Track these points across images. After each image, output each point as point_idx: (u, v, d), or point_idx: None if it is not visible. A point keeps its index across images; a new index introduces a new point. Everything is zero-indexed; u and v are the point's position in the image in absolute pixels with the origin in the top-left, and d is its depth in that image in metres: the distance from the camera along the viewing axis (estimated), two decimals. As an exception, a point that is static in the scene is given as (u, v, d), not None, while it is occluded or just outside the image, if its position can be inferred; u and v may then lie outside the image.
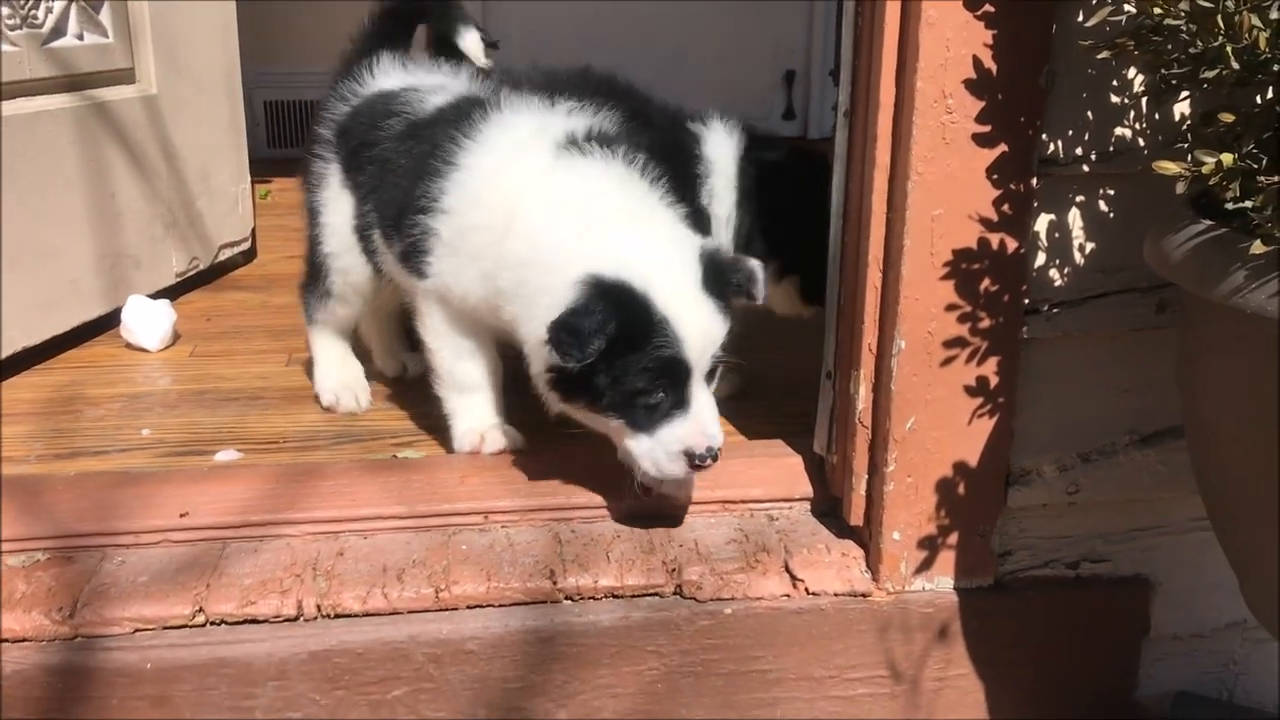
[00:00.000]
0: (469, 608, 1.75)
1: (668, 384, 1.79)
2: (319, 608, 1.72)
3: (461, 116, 2.07)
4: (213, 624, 1.71)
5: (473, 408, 2.15)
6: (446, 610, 1.75)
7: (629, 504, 1.93)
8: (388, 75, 2.42)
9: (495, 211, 1.93)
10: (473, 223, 1.96)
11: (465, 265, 1.98)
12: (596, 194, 1.89)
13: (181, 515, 1.84)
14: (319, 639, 1.71)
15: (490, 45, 2.60)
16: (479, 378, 2.13)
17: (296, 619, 1.72)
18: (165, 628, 1.69)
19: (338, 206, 2.35)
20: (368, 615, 1.73)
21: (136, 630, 1.69)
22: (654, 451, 1.80)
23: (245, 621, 1.71)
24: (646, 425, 1.80)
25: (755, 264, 1.90)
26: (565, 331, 1.71)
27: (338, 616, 1.73)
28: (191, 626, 1.70)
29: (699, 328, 1.79)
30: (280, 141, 5.57)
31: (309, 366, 2.53)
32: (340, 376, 2.47)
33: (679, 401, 1.80)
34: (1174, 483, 1.81)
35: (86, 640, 1.67)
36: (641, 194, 1.93)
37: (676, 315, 1.77)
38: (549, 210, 1.88)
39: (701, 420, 1.80)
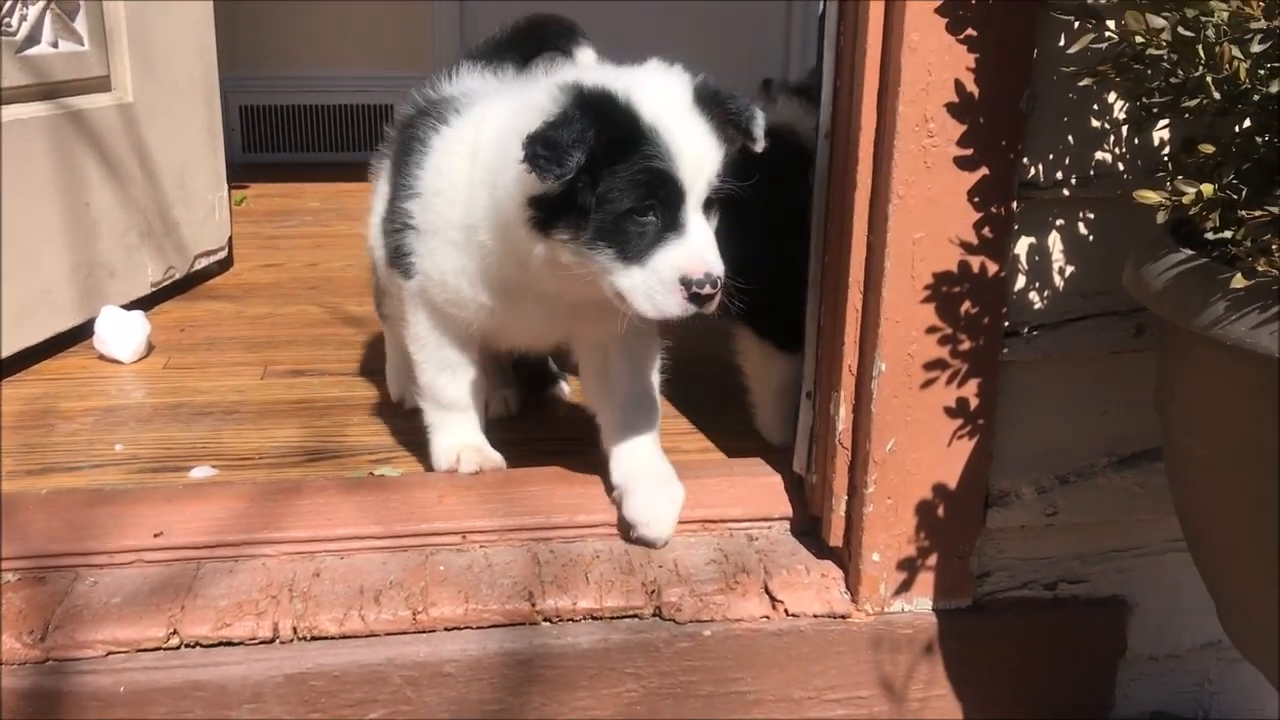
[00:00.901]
0: (447, 630, 1.74)
1: (659, 203, 1.67)
2: (295, 630, 1.71)
3: (442, 112, 2.03)
4: (187, 646, 1.68)
5: (451, 425, 2.12)
6: (424, 632, 1.73)
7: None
8: (460, 82, 2.33)
9: (459, 160, 1.89)
10: (437, 188, 1.91)
11: (441, 246, 1.92)
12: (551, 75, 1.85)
13: (156, 535, 1.82)
14: (295, 661, 1.69)
15: None
16: (460, 395, 2.10)
17: (272, 641, 1.70)
18: (139, 650, 1.67)
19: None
20: (344, 638, 1.72)
21: (109, 653, 1.66)
22: (647, 283, 1.67)
23: (220, 644, 1.69)
24: (638, 253, 1.67)
25: (755, 105, 1.80)
26: (541, 144, 1.60)
27: (314, 639, 1.71)
28: (166, 649, 1.68)
29: (691, 142, 1.68)
30: (256, 146, 5.54)
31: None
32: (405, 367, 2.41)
33: (672, 224, 1.68)
34: (1151, 504, 1.82)
35: (58, 664, 1.65)
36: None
37: (666, 126, 1.66)
38: (500, 114, 1.83)
39: (699, 243, 1.68)
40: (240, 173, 3.76)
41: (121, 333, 2.74)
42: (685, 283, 1.66)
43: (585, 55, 2.41)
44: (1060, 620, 1.87)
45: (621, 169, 1.65)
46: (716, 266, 1.68)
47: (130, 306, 2.90)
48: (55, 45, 2.81)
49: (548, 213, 1.70)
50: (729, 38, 5.72)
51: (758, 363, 2.31)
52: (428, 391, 2.11)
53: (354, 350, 2.86)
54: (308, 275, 3.58)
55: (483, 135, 1.87)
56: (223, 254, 3.58)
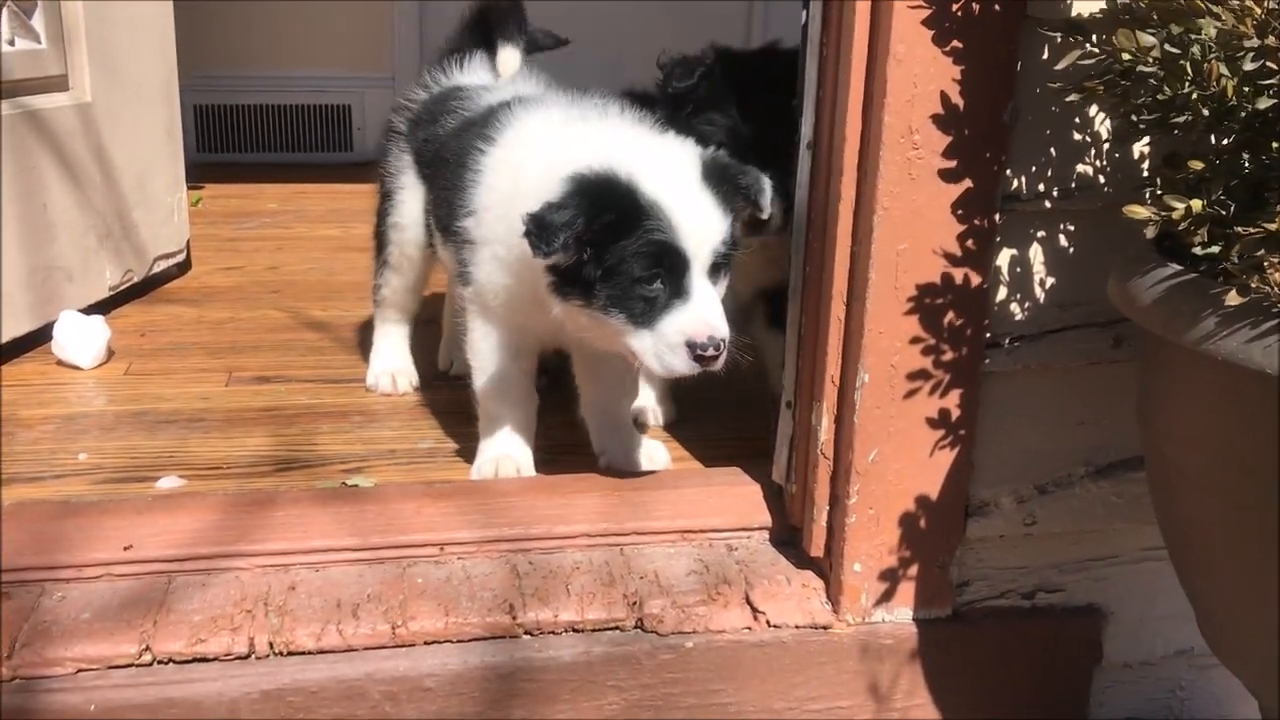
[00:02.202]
0: (426, 644, 1.72)
1: (664, 272, 1.80)
2: (271, 645, 1.67)
3: (488, 122, 2.13)
4: (160, 663, 1.64)
5: (499, 435, 2.15)
6: (404, 647, 1.71)
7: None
8: (472, 73, 2.52)
9: (505, 180, 2.00)
10: (488, 204, 2.02)
11: (489, 259, 2.03)
12: (591, 122, 2.00)
13: (125, 548, 1.78)
14: (271, 677, 1.66)
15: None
16: (508, 406, 2.14)
17: (248, 657, 1.67)
18: (110, 667, 1.63)
19: (411, 192, 2.48)
20: (322, 652, 1.68)
21: (79, 670, 1.62)
22: (656, 346, 1.81)
23: (195, 660, 1.65)
24: (646, 319, 1.81)
25: (764, 176, 1.90)
26: (534, 224, 1.76)
27: (291, 654, 1.68)
28: (138, 666, 1.63)
29: (693, 215, 1.81)
30: (211, 146, 5.45)
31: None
32: (387, 363, 2.65)
33: (678, 291, 1.81)
34: (1127, 514, 1.84)
35: (25, 682, 1.60)
36: (639, 126, 2.01)
37: (668, 201, 1.80)
38: (544, 145, 1.96)
39: (703, 309, 1.81)
40: (195, 173, 3.70)
41: (81, 338, 2.68)
42: (690, 345, 1.79)
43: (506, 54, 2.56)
44: (1038, 629, 1.89)
45: (627, 243, 1.79)
46: (720, 330, 1.81)
47: (88, 310, 2.84)
48: (12, 43, 2.75)
49: (563, 279, 1.85)
50: (690, 34, 5.70)
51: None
52: (478, 398, 2.17)
53: (320, 356, 2.82)
54: (269, 278, 3.53)
55: (525, 168, 1.96)
56: (181, 257, 3.52)
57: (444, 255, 2.36)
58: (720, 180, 1.87)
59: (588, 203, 1.78)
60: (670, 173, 1.84)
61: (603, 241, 1.79)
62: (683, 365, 1.81)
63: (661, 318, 1.81)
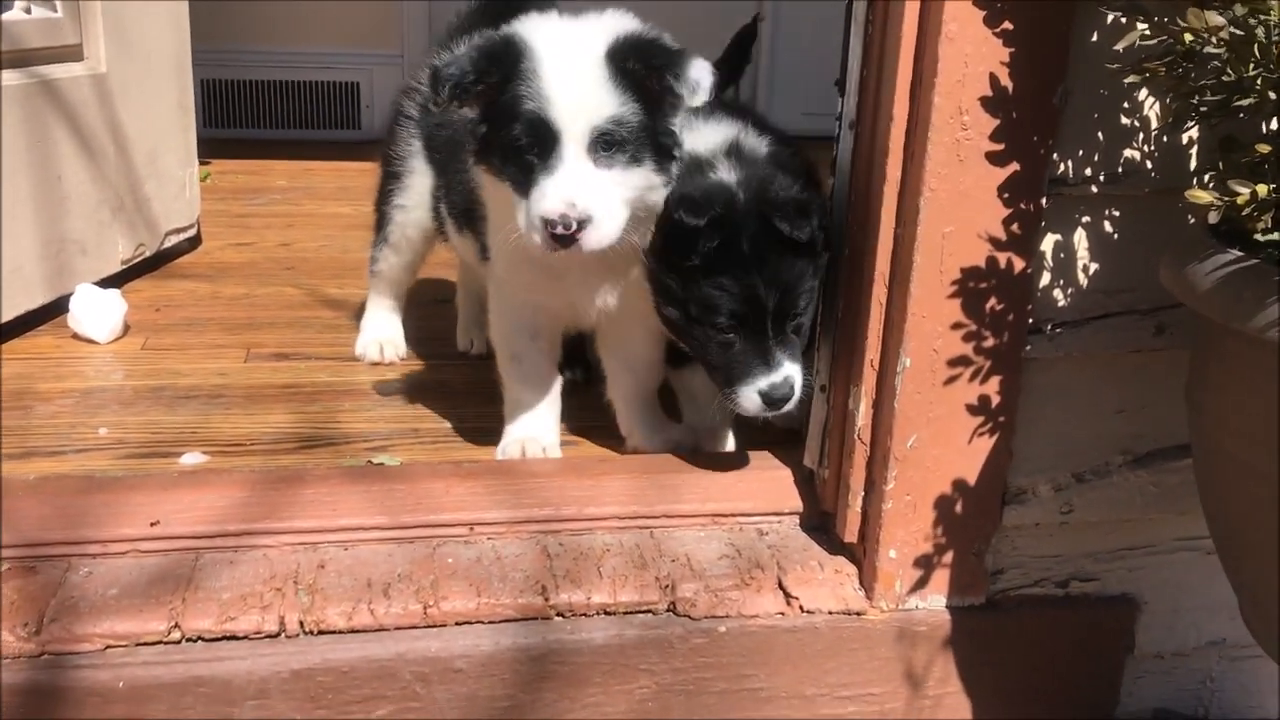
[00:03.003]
0: (458, 624, 1.70)
1: (536, 142, 1.77)
2: (302, 624, 1.65)
3: None
4: (189, 641, 1.62)
5: (522, 415, 2.13)
6: (435, 627, 1.69)
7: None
8: None
9: None
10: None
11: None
12: None
13: (152, 524, 1.76)
14: (302, 657, 1.64)
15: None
16: (531, 385, 2.12)
17: (278, 635, 1.65)
18: (139, 644, 1.61)
19: (419, 177, 2.48)
20: (353, 632, 1.66)
21: (108, 647, 1.60)
22: (528, 219, 1.78)
23: (224, 638, 1.63)
24: (524, 188, 1.79)
25: (698, 62, 1.82)
26: (430, 75, 1.83)
27: (321, 633, 1.66)
28: (167, 643, 1.61)
29: (569, 86, 1.76)
30: (218, 121, 5.40)
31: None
32: (375, 332, 2.68)
33: (547, 161, 1.77)
34: (1164, 503, 1.83)
35: (55, 658, 1.58)
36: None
37: (547, 71, 1.76)
38: None
39: (562, 183, 1.76)
40: (202, 148, 3.67)
41: (98, 312, 2.64)
42: (545, 222, 1.75)
43: None
44: (1071, 618, 1.87)
45: (504, 103, 1.78)
46: (579, 205, 1.74)
47: (101, 284, 2.80)
48: (28, 11, 2.71)
49: (474, 142, 1.88)
50: (699, 28, 5.67)
51: None
52: (504, 375, 2.16)
53: (339, 334, 2.78)
54: (282, 255, 3.49)
55: None
56: (193, 231, 3.48)
57: (457, 242, 2.35)
58: (627, 57, 1.79)
59: (478, 60, 1.79)
60: (566, 44, 1.81)
61: (491, 102, 1.80)
62: (540, 242, 1.77)
63: (532, 190, 1.77)
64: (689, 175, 1.90)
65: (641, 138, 1.81)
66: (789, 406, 1.87)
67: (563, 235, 1.74)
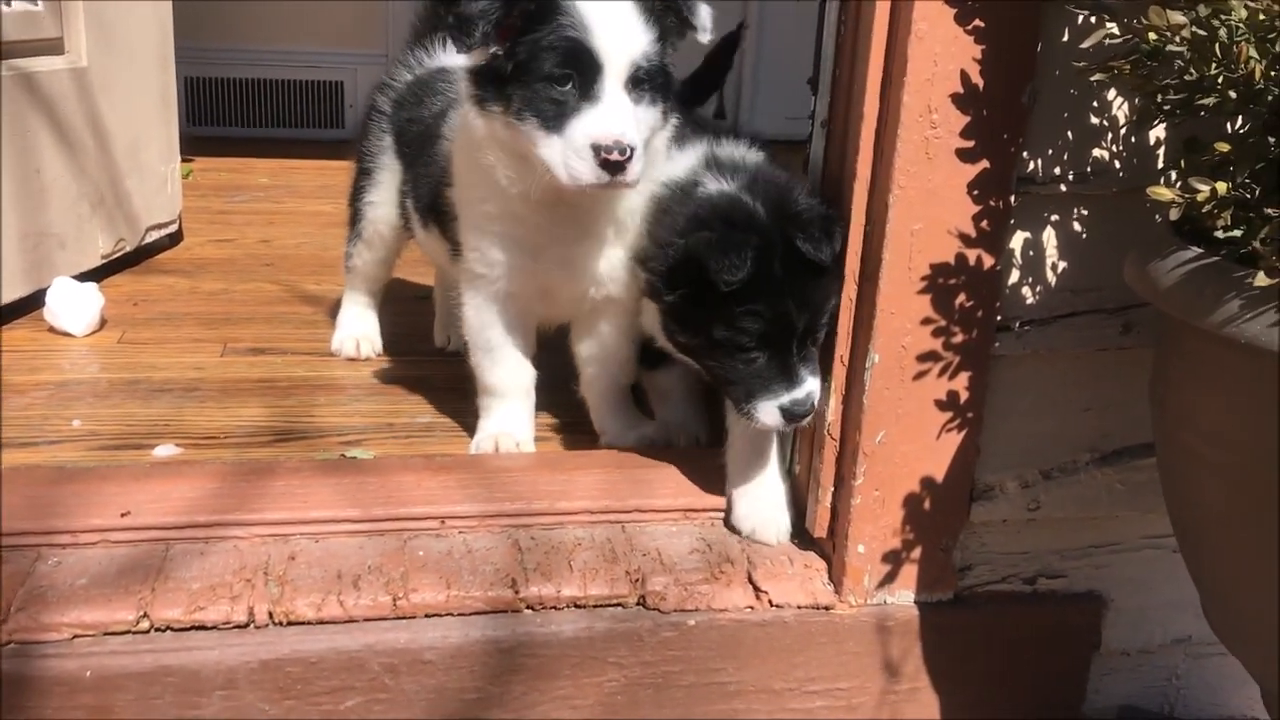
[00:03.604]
0: (427, 616, 1.70)
1: (576, 74, 1.75)
2: (271, 615, 1.65)
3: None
4: (158, 630, 1.62)
5: (496, 410, 2.15)
6: (404, 619, 1.69)
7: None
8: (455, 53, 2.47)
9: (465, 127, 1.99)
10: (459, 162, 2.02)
11: (471, 214, 2.01)
12: None
13: (123, 514, 1.76)
14: (270, 647, 1.64)
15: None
16: (503, 379, 2.13)
17: (247, 626, 1.65)
18: (107, 634, 1.60)
19: (389, 173, 2.50)
20: (322, 623, 1.66)
21: (75, 636, 1.60)
22: (564, 151, 1.76)
23: (193, 628, 1.63)
24: (557, 123, 1.77)
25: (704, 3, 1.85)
26: (455, 19, 1.76)
27: (290, 624, 1.66)
28: (135, 633, 1.61)
29: (609, 17, 1.77)
30: (202, 119, 5.40)
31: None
32: (351, 328, 2.69)
33: (589, 95, 1.76)
34: (1131, 501, 1.84)
35: (20, 647, 1.58)
36: None
37: (585, 3, 1.76)
38: None
39: (612, 112, 1.76)
40: (185, 145, 3.67)
41: (74, 305, 2.64)
42: (595, 149, 1.73)
43: None
44: (1039, 615, 1.89)
45: (540, 35, 1.75)
46: (629, 135, 1.74)
47: (80, 278, 2.80)
48: (8, 4, 2.70)
49: (482, 87, 1.84)
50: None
51: None
52: (475, 373, 2.15)
53: (315, 329, 2.79)
54: (262, 252, 3.50)
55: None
56: (173, 227, 3.48)
57: (423, 239, 2.36)
58: None
59: None
60: None
61: (521, 33, 1.77)
62: (589, 171, 1.74)
63: (570, 122, 1.75)
64: (678, 204, 1.88)
65: (659, 77, 1.83)
66: (807, 421, 1.82)
67: (616, 161, 1.73)
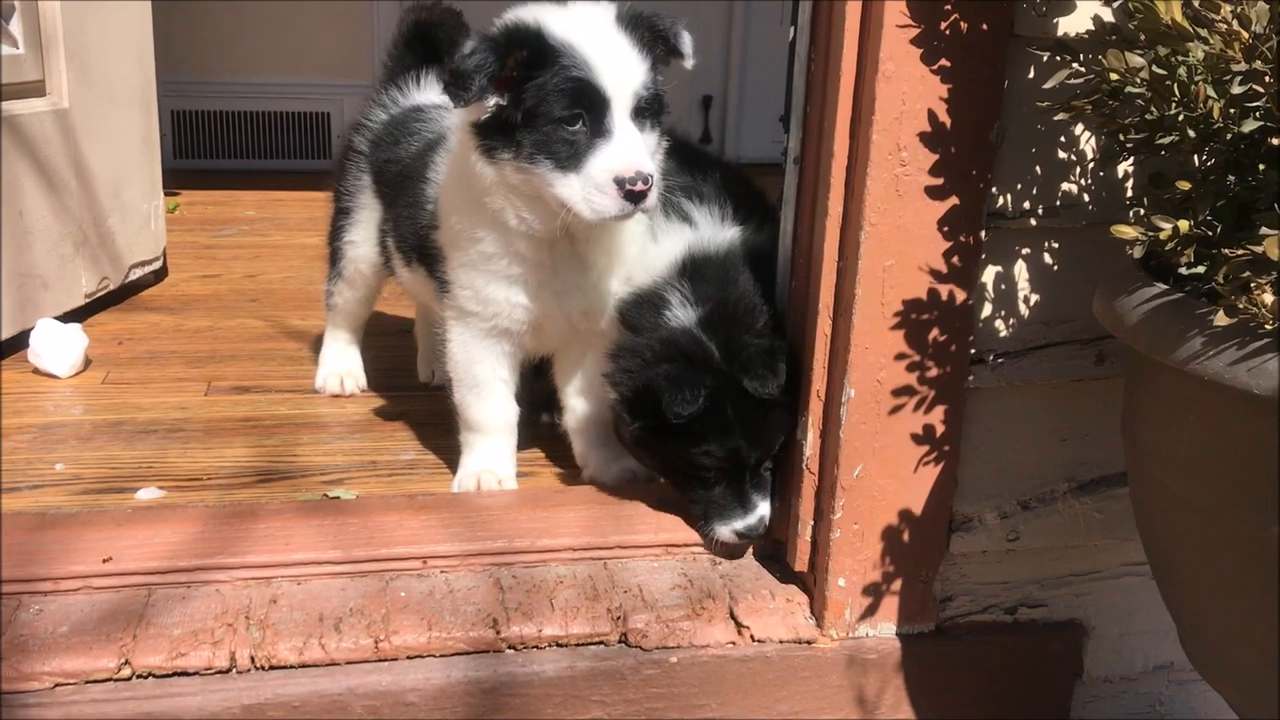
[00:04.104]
0: (409, 658, 1.70)
1: (585, 112, 1.79)
2: (253, 659, 1.66)
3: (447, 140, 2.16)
4: (140, 677, 1.62)
5: (478, 446, 2.15)
6: (386, 661, 1.70)
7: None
8: (430, 90, 2.53)
9: (452, 168, 2.04)
10: (445, 200, 2.04)
11: (467, 250, 2.01)
12: None
13: (104, 560, 1.76)
14: (253, 692, 1.64)
15: None
16: (486, 415, 2.13)
17: (229, 671, 1.65)
18: (88, 682, 1.61)
19: (369, 212, 2.53)
20: (304, 666, 1.67)
21: (57, 685, 1.60)
22: (585, 188, 1.79)
23: (175, 674, 1.63)
24: (573, 162, 1.80)
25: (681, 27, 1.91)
26: (450, 75, 1.79)
27: (272, 668, 1.66)
28: (117, 680, 1.62)
29: (608, 53, 1.81)
30: (187, 152, 5.42)
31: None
32: (334, 365, 2.70)
33: (600, 131, 1.80)
34: (1109, 529, 1.86)
35: (2, 697, 1.58)
36: None
37: (579, 40, 1.80)
38: None
39: (627, 145, 1.80)
40: (171, 179, 3.69)
41: (58, 346, 2.65)
42: (619, 182, 1.77)
43: None
44: (1020, 644, 1.89)
45: (544, 80, 1.79)
46: (646, 165, 1.79)
47: (64, 318, 2.81)
48: (-10, 49, 2.72)
49: (489, 135, 1.85)
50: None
51: None
52: (460, 406, 2.16)
53: (300, 366, 2.80)
54: (247, 287, 3.51)
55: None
56: (158, 264, 3.49)
57: (406, 277, 2.36)
58: (636, 26, 1.86)
59: (497, 44, 1.79)
60: (580, 19, 1.85)
61: (520, 82, 1.80)
62: (613, 205, 1.78)
63: (586, 159, 1.79)
64: (645, 320, 1.94)
65: (656, 104, 1.88)
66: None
67: (640, 191, 1.77)
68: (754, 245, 2.00)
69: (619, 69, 1.81)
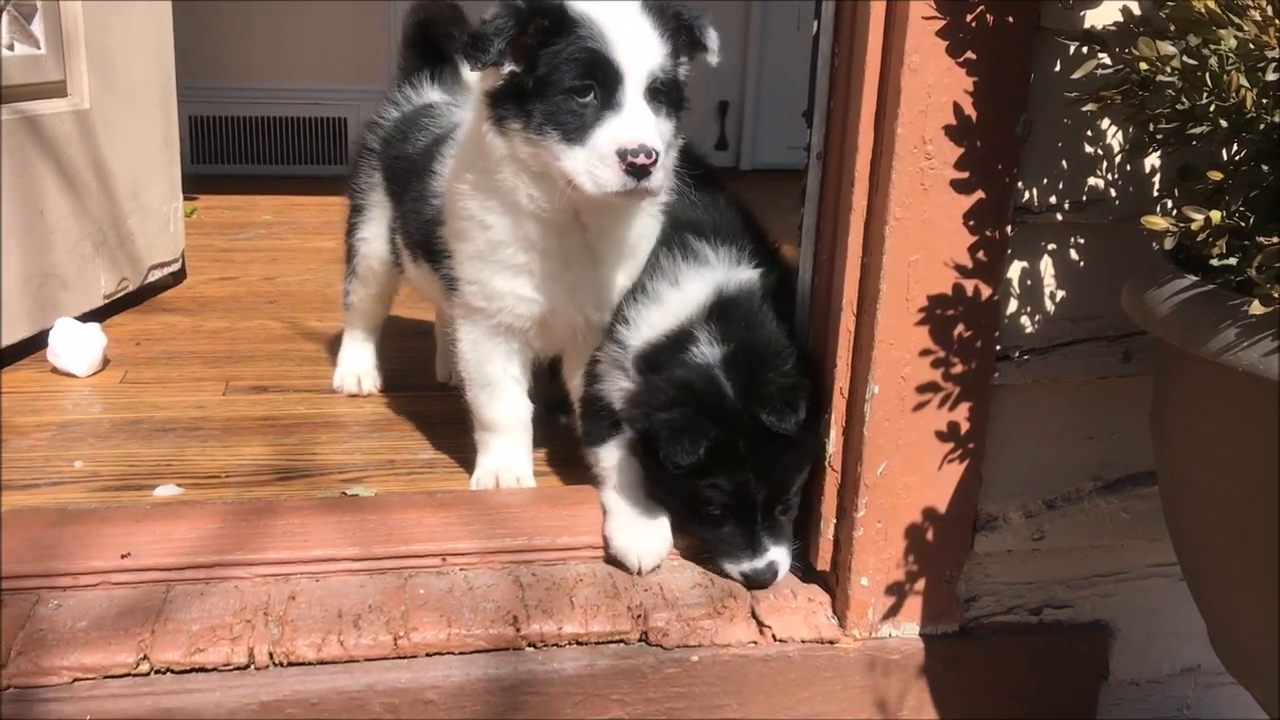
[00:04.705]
0: (429, 655, 1.69)
1: (596, 84, 1.78)
2: (271, 655, 1.65)
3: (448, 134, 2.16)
4: (158, 673, 1.62)
5: (494, 445, 2.14)
6: (405, 658, 1.68)
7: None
8: (442, 87, 2.55)
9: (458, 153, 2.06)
10: (452, 186, 2.02)
11: (475, 240, 2.00)
12: None
13: (123, 556, 1.75)
14: (271, 689, 1.63)
15: None
16: (499, 414, 2.12)
17: (247, 667, 1.64)
18: (107, 677, 1.60)
19: (380, 210, 2.53)
20: (323, 663, 1.66)
21: (75, 680, 1.59)
22: (588, 160, 1.77)
23: (193, 670, 1.62)
24: (579, 134, 1.78)
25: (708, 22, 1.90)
26: (469, 38, 1.80)
27: (291, 665, 1.65)
28: (135, 675, 1.61)
29: (626, 29, 1.80)
30: (206, 157, 5.44)
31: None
32: (351, 365, 2.70)
33: (610, 103, 1.78)
34: (1136, 530, 1.83)
35: (20, 691, 1.57)
36: None
37: (599, 15, 1.80)
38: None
39: (634, 118, 1.78)
40: (189, 184, 3.70)
41: (77, 345, 2.65)
42: (620, 154, 1.74)
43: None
44: (1045, 646, 1.87)
45: (559, 48, 1.78)
46: (652, 140, 1.76)
47: (83, 318, 2.81)
48: (11, 48, 2.73)
49: (501, 106, 1.85)
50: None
51: None
52: (472, 405, 2.15)
53: (317, 366, 2.79)
54: (265, 289, 3.51)
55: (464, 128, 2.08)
56: (176, 266, 3.50)
57: (414, 274, 2.36)
58: (662, 12, 1.85)
59: (520, 11, 1.79)
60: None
61: (536, 50, 1.79)
62: (614, 178, 1.75)
63: (592, 131, 1.77)
64: (666, 360, 1.88)
65: (674, 91, 1.86)
66: (773, 584, 1.86)
67: (641, 166, 1.74)
68: (772, 285, 1.95)
69: (634, 45, 1.80)
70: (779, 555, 1.85)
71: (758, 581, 1.84)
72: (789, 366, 1.83)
